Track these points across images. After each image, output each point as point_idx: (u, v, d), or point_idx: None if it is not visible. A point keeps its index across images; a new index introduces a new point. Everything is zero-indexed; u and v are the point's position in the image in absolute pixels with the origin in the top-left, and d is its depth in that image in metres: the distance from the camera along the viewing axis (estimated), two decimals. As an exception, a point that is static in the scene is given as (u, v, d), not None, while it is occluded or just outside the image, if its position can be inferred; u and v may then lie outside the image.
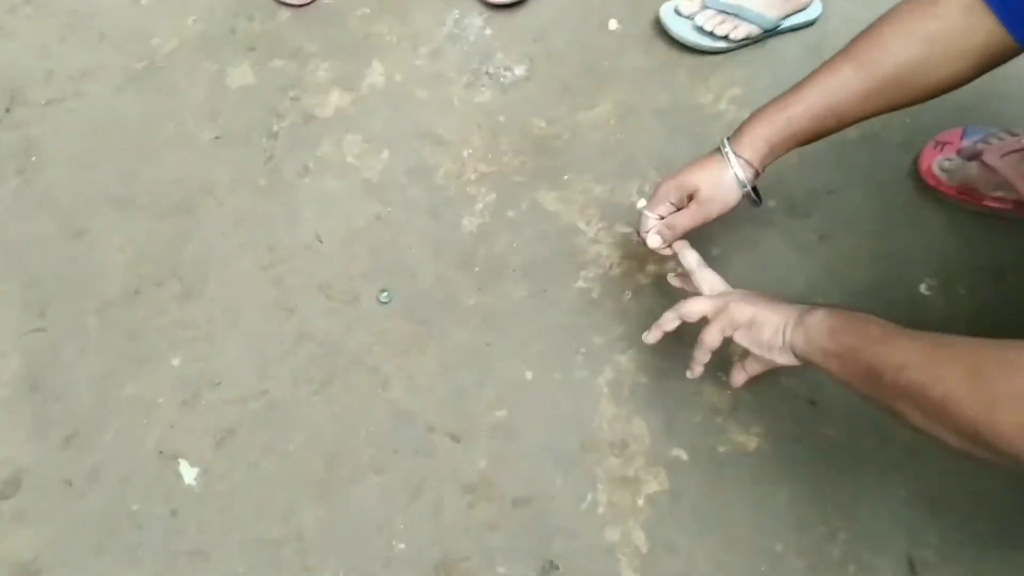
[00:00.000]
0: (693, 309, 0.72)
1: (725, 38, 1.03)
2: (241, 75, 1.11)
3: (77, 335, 0.96)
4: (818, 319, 0.63)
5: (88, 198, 1.04)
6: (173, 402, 0.93)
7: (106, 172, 1.06)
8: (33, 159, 1.07)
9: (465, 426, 0.90)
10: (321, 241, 1.00)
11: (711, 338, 0.71)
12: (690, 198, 0.74)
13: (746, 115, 1.01)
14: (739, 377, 0.74)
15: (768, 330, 0.66)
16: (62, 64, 1.13)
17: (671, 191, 0.74)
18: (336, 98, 1.08)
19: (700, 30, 1.03)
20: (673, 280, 0.82)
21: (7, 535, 0.87)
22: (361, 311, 0.96)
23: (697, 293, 0.76)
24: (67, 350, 0.96)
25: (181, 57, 1.13)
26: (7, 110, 1.10)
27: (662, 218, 0.77)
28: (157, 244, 1.01)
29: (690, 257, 0.77)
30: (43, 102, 1.11)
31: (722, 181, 0.72)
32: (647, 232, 0.77)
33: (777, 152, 0.71)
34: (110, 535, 0.87)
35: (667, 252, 0.79)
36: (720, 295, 0.72)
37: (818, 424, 0.87)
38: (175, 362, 0.95)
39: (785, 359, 0.66)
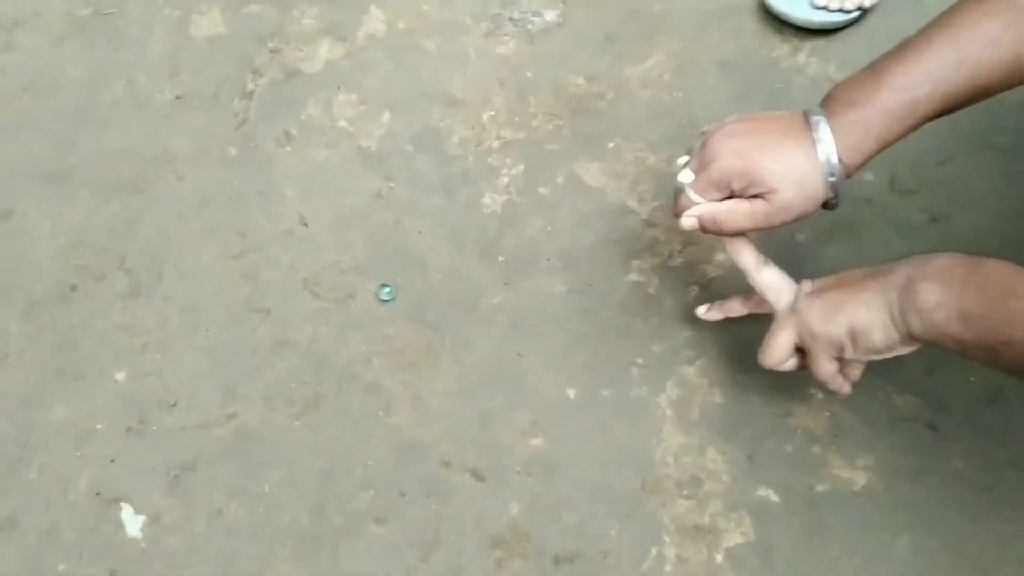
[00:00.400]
0: (781, 347, 0.64)
1: (859, 7, 0.93)
2: (209, 23, 1.04)
3: (-5, 343, 0.89)
4: (932, 299, 0.54)
5: (15, 172, 0.97)
6: (115, 429, 0.85)
7: (39, 141, 0.99)
8: (-50, 125, 1.00)
9: (491, 460, 0.82)
10: (306, 225, 0.93)
11: (824, 371, 0.64)
12: (756, 193, 0.61)
13: (832, 69, 0.93)
14: (855, 371, 0.66)
15: (877, 332, 0.59)
16: (-10, 11, 1.07)
17: (735, 177, 0.60)
18: (326, 50, 1.01)
19: (825, 9, 0.94)
20: (707, 314, 0.74)
21: (-102, 603, 0.79)
22: (356, 312, 0.89)
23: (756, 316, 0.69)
24: (-18, 362, 0.88)
25: (136, 1, 1.06)
26: (-79, 67, 1.04)
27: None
28: (99, 229, 0.94)
29: (745, 252, 0.66)
30: (-34, 57, 1.04)
31: (809, 186, 0.59)
32: (684, 213, 0.65)
33: (885, 147, 0.60)
34: (30, 604, 0.78)
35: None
36: (790, 315, 0.63)
37: (943, 454, 0.78)
38: (119, 377, 0.87)
39: (909, 349, 0.59)
